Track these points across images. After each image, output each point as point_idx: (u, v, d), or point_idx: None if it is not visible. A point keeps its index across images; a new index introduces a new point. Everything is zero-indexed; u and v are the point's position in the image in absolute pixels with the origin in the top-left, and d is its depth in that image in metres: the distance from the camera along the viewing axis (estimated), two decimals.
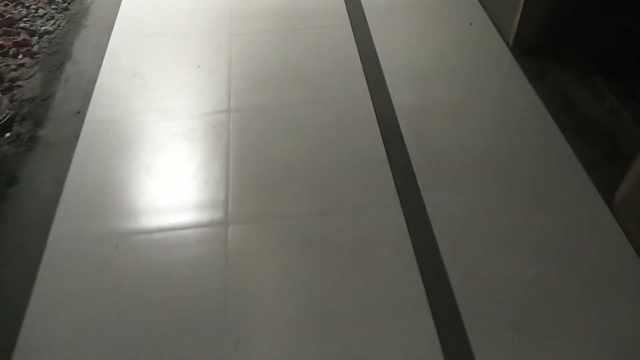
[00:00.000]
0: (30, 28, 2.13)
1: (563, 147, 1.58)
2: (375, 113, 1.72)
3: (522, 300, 1.24)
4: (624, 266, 1.30)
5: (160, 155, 1.62)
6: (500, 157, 1.57)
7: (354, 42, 2.02)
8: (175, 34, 2.10)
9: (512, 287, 1.26)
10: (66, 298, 1.29)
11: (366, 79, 1.85)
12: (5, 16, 2.14)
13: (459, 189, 1.49)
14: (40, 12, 2.22)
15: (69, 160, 1.61)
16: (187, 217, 1.45)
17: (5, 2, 2.23)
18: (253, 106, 1.77)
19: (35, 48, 2.05)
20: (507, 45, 1.96)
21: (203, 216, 1.45)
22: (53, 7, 2.26)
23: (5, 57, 1.99)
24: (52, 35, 2.12)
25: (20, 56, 2.00)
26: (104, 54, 2.01)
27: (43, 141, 1.69)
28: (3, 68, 1.94)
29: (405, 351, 1.16)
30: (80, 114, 1.76)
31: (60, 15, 2.23)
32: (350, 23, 2.12)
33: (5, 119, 1.74)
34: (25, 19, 2.17)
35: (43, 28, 2.14)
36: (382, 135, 1.65)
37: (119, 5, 2.26)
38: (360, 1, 2.23)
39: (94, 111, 1.78)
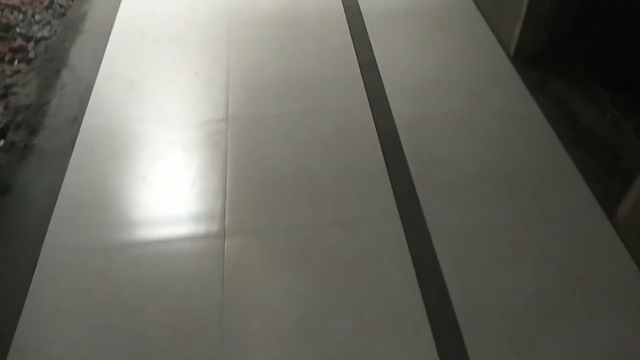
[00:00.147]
0: (27, 34, 2.11)
1: (564, 160, 1.57)
2: (375, 122, 1.71)
3: (523, 316, 1.22)
4: (626, 282, 1.29)
5: (157, 165, 1.60)
6: (500, 168, 1.56)
7: (353, 50, 2.01)
8: (174, 41, 2.09)
9: (513, 302, 1.25)
10: (59, 311, 1.26)
11: (365, 88, 1.84)
12: (1, 21, 2.12)
13: (459, 200, 1.47)
14: (37, 17, 2.20)
15: (63, 169, 1.58)
16: (184, 228, 1.43)
17: (1, 7, 2.21)
18: (251, 115, 1.76)
19: (31, 54, 2.03)
20: (508, 55, 1.95)
21: (199, 228, 1.43)
22: (50, 12, 2.24)
23: (1, 63, 1.97)
24: (48, 42, 2.10)
25: (15, 62, 1.98)
26: (101, 61, 1.99)
27: (38, 149, 1.66)
28: None
29: None
30: (76, 121, 1.74)
31: (57, 21, 2.21)
32: (350, 31, 2.11)
33: None
34: (21, 25, 2.15)
35: (39, 34, 2.12)
36: (381, 145, 1.64)
37: (117, 11, 2.25)
38: (360, 9, 2.22)
39: (90, 119, 1.75)
